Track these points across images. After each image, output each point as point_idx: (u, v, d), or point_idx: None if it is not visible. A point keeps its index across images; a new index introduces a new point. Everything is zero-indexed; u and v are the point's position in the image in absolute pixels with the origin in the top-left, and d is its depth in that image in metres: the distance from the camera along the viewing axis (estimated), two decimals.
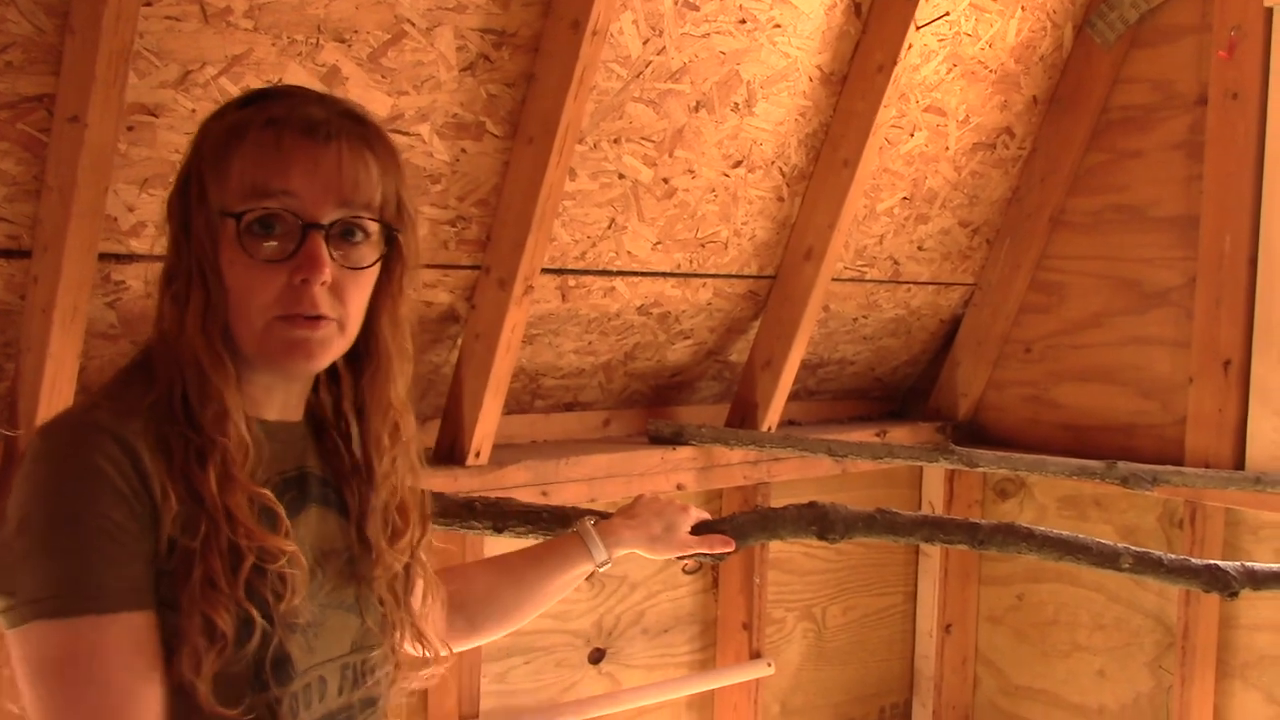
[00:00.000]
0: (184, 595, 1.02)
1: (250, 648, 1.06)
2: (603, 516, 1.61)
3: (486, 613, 1.50)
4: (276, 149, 1.08)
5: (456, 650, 1.46)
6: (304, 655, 1.11)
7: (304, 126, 1.09)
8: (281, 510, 1.11)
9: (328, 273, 1.09)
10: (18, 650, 1.01)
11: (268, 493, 1.10)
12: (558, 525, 1.79)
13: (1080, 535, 1.75)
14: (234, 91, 1.90)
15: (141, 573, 1.02)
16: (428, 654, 1.30)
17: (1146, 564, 1.74)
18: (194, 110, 1.89)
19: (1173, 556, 1.76)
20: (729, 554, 1.66)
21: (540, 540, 1.71)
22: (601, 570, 1.54)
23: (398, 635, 1.24)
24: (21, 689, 1.01)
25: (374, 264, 1.15)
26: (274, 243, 1.08)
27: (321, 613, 1.14)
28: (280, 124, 1.09)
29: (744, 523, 1.72)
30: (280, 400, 1.17)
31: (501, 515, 1.87)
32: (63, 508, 1.01)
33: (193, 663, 1.02)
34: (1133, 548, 1.73)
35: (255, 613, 1.05)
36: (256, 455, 1.10)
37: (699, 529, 1.64)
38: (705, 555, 1.65)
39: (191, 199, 1.10)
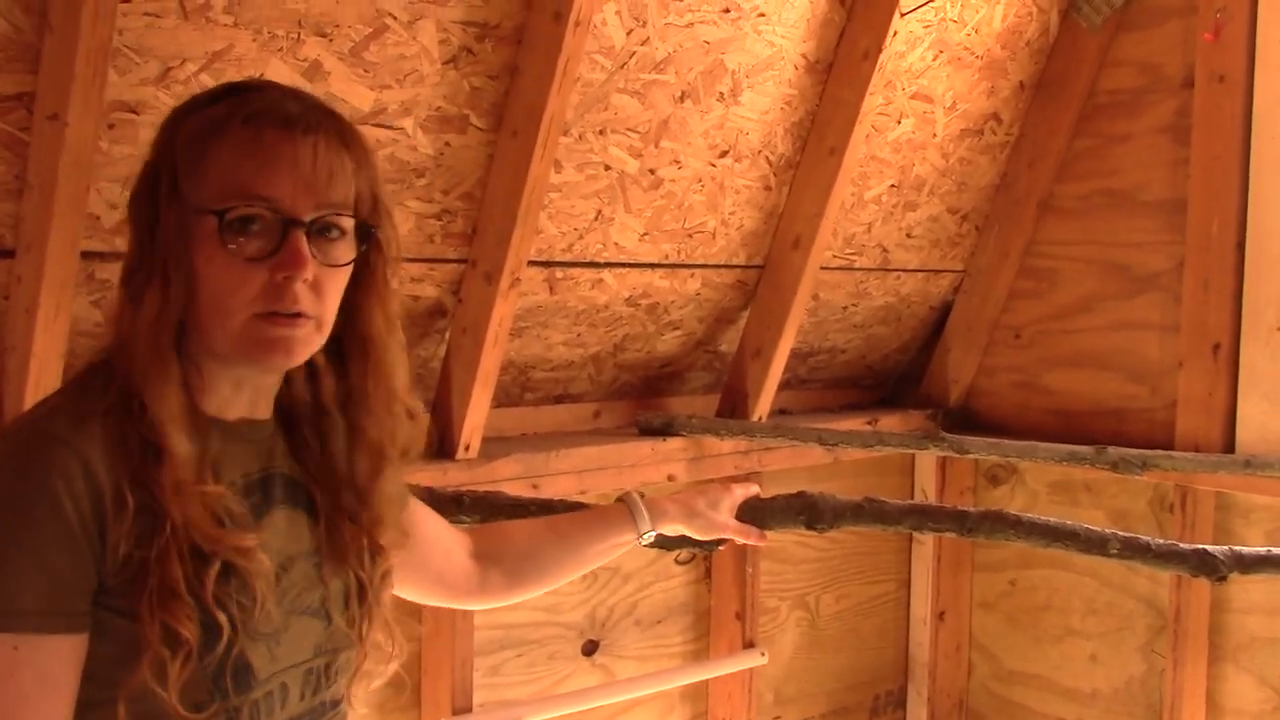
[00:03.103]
0: (143, 604, 1.02)
1: (214, 655, 1.06)
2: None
3: (525, 569, 1.54)
4: (257, 145, 1.08)
5: (491, 605, 1.55)
6: (266, 663, 1.11)
7: (283, 122, 1.09)
8: (245, 509, 1.11)
9: (310, 270, 1.09)
10: None
11: (222, 490, 1.09)
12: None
13: (1068, 521, 1.75)
14: None
15: (70, 598, 1.02)
16: (392, 650, 1.30)
17: (1134, 549, 1.73)
18: (174, 107, 1.87)
19: (1161, 541, 1.76)
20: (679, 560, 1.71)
21: None
22: (643, 543, 1.58)
23: (366, 631, 1.23)
24: None
25: (350, 261, 1.15)
26: (255, 240, 1.08)
27: (285, 619, 1.14)
28: (259, 120, 1.09)
29: (738, 511, 1.72)
30: (249, 398, 1.17)
31: (490, 509, 1.87)
32: (1, 521, 1.01)
33: (156, 671, 1.03)
34: (1120, 533, 1.73)
35: (221, 617, 1.05)
36: (217, 458, 1.10)
37: (745, 509, 1.66)
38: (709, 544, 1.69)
39: (161, 195, 1.09)
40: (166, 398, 1.07)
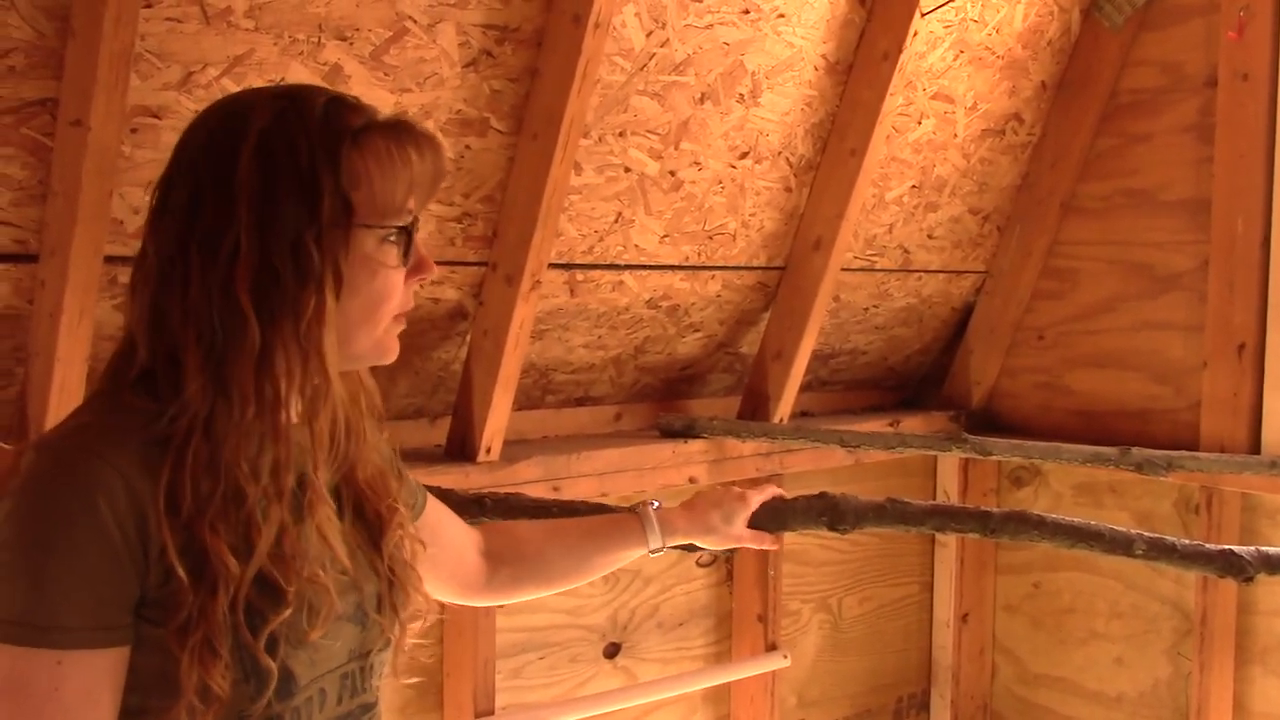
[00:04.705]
0: (185, 654, 1.01)
1: (266, 693, 1.06)
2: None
3: (531, 573, 1.53)
4: (404, 161, 1.11)
5: (496, 603, 1.54)
6: (307, 670, 1.11)
7: (417, 135, 1.13)
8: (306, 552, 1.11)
9: None
10: None
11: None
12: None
13: (1093, 522, 1.73)
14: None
15: (112, 612, 1.01)
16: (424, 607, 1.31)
17: (1160, 550, 1.71)
18: (197, 112, 1.87)
19: (1186, 542, 1.74)
20: (700, 563, 1.70)
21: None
22: (653, 555, 1.56)
23: (399, 630, 1.23)
24: None
25: None
26: (405, 250, 1.13)
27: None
28: (395, 132, 1.12)
29: (754, 514, 1.71)
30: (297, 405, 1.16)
31: (511, 511, 1.86)
32: (43, 535, 0.99)
33: (190, 713, 1.02)
34: (1146, 533, 1.71)
35: (271, 664, 1.06)
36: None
37: (764, 510, 1.64)
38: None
39: (300, 210, 1.06)
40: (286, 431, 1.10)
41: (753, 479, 3.05)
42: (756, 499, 1.65)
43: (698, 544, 1.61)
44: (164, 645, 1.02)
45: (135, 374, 1.08)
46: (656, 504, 1.59)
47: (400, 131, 1.12)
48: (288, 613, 1.06)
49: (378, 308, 1.13)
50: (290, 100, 1.10)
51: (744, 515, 1.63)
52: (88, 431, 1.05)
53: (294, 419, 1.13)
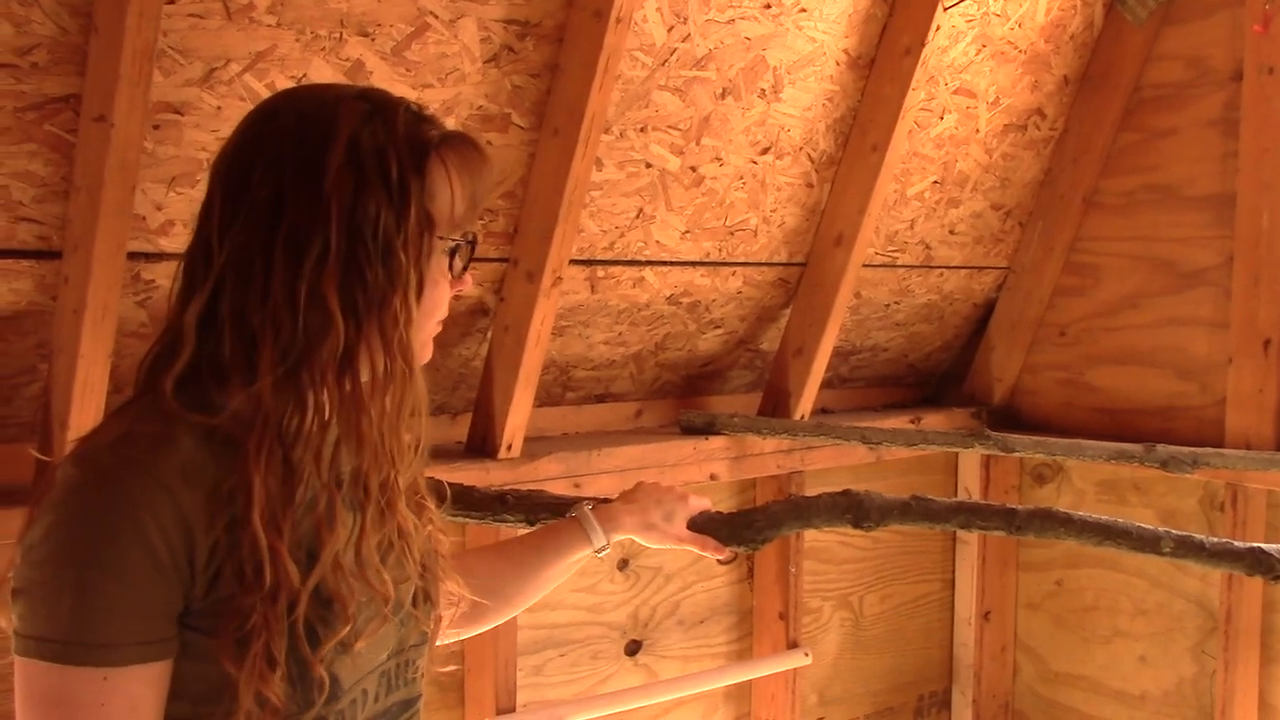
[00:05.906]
0: (243, 662, 1.01)
1: (315, 701, 1.06)
2: (602, 502, 1.61)
3: (491, 601, 1.50)
4: (472, 175, 1.14)
5: (464, 635, 1.51)
6: (350, 673, 1.11)
7: (473, 147, 1.15)
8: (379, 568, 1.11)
9: None
10: (18, 673, 1.00)
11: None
12: None
13: (1120, 519, 1.72)
14: (259, 88, 1.90)
15: (157, 626, 1.01)
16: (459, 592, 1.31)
17: (1188, 548, 1.70)
18: (219, 108, 1.89)
19: (1215, 540, 1.73)
20: (722, 560, 1.67)
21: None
22: (599, 555, 1.54)
23: (433, 625, 1.23)
24: (16, 708, 1.01)
25: None
26: (460, 261, 1.16)
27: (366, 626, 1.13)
28: (462, 146, 1.14)
29: (778, 512, 1.70)
30: None
31: (533, 508, 1.85)
32: (87, 551, 0.98)
33: None
34: (1174, 531, 1.70)
35: (323, 674, 1.06)
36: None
37: (698, 521, 1.62)
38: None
39: (404, 219, 1.08)
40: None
41: (773, 476, 3.05)
42: (696, 502, 1.62)
43: (638, 540, 1.59)
44: (214, 655, 1.01)
45: (177, 375, 1.06)
46: (591, 503, 1.57)
47: (467, 146, 1.14)
48: (346, 630, 1.06)
49: (430, 316, 1.14)
50: (372, 104, 1.10)
51: (684, 515, 1.60)
52: (129, 442, 1.02)
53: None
